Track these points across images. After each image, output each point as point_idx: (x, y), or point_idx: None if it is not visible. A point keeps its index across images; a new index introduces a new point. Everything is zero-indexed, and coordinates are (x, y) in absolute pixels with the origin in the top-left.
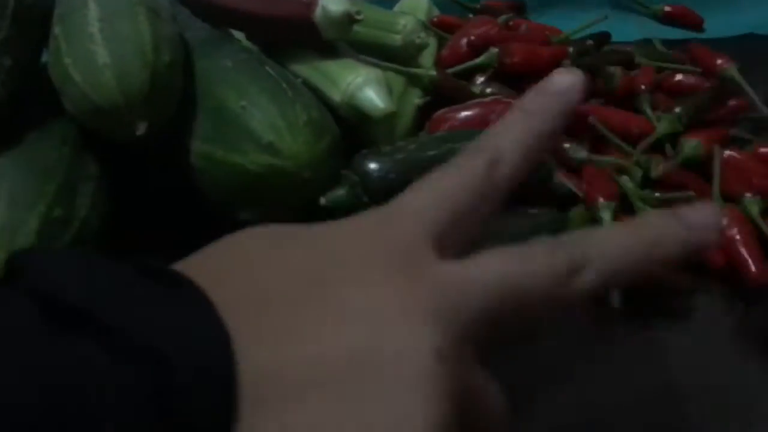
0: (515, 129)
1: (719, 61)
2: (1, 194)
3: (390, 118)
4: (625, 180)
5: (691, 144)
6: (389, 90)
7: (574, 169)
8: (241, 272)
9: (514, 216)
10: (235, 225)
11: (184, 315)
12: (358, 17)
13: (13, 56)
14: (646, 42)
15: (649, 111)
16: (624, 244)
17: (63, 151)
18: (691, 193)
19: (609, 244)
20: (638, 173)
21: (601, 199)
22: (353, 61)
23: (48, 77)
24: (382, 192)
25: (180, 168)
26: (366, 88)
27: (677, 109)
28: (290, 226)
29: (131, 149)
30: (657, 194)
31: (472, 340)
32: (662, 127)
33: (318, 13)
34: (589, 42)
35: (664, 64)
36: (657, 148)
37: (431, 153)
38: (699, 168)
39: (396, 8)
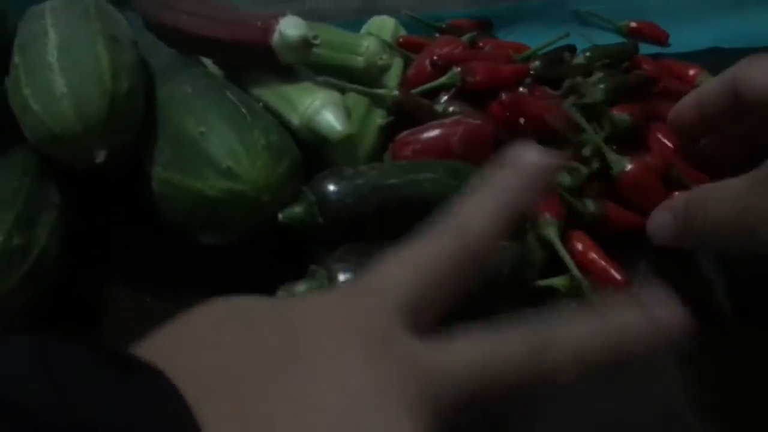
0: (487, 206)
1: (692, 72)
2: None
3: (349, 140)
4: (565, 178)
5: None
6: (348, 112)
7: None
8: (210, 358)
9: None
10: (197, 248)
11: (154, 409)
12: (315, 42)
13: None
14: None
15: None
16: (589, 340)
17: (23, 180)
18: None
19: (576, 338)
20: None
21: (546, 215)
22: (312, 85)
23: (8, 105)
24: (337, 215)
25: (141, 193)
26: (324, 111)
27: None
28: (258, 300)
29: (92, 175)
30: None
31: (445, 426)
32: None
33: (275, 38)
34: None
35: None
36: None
37: (392, 181)
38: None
39: (364, 29)
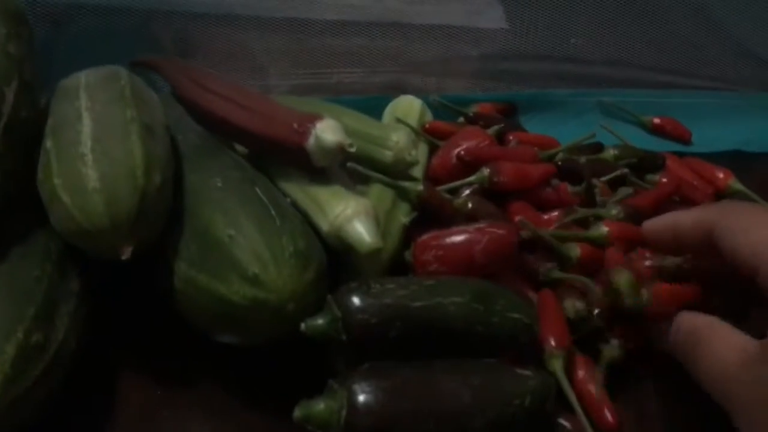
0: None
1: (721, 175)
2: None
3: (377, 253)
4: (570, 305)
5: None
6: (377, 223)
7: (540, 286)
8: None
9: (501, 376)
10: (213, 345)
11: None
12: (351, 149)
13: (2, 171)
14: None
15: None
16: None
17: (45, 267)
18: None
19: None
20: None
21: (552, 342)
22: (343, 189)
23: (35, 186)
24: (361, 333)
25: (162, 286)
26: (354, 221)
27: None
28: None
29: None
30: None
31: None
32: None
33: (311, 141)
34: (582, 160)
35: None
36: None
37: (418, 304)
38: None
39: (389, 109)
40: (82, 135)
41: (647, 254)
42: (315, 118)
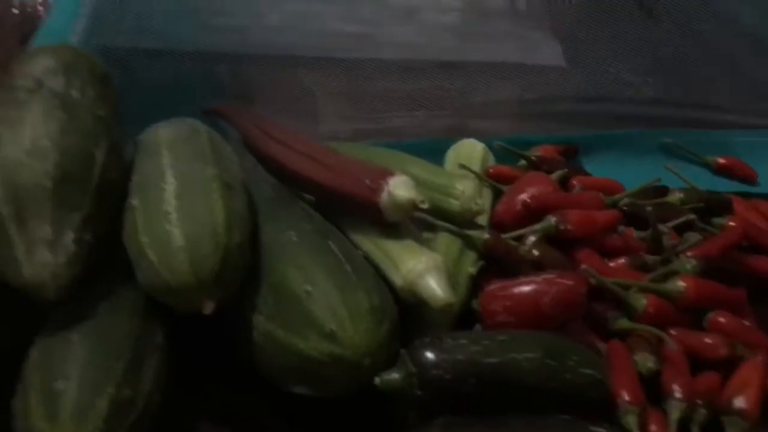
0: None
1: None
2: (72, 375)
3: (450, 307)
4: (642, 360)
5: None
6: (449, 277)
7: (608, 335)
8: None
9: None
10: (285, 394)
11: None
12: (423, 205)
13: (93, 231)
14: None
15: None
16: None
17: (133, 321)
18: None
19: None
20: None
21: (625, 396)
22: (415, 244)
23: (121, 242)
24: (436, 389)
25: (239, 339)
26: (427, 276)
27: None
28: None
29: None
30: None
31: None
32: None
33: (383, 197)
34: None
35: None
36: None
37: (492, 360)
38: None
39: (451, 153)
40: (166, 193)
41: None
42: (387, 174)
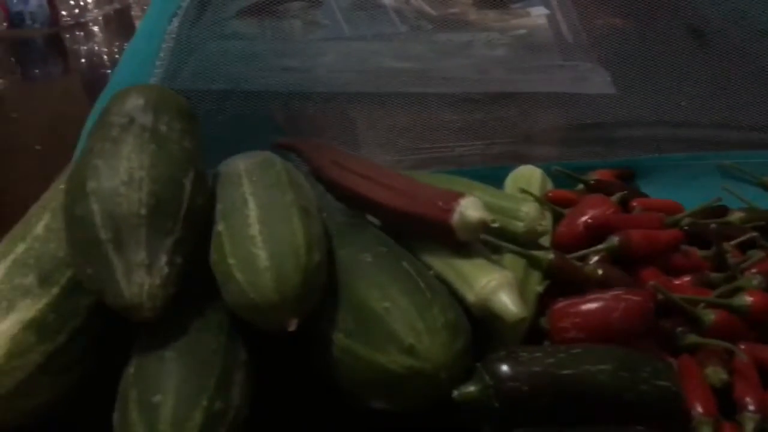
0: None
1: None
2: (168, 388)
3: (523, 322)
4: (713, 373)
5: None
6: (520, 293)
7: (676, 351)
8: None
9: None
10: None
11: None
12: (494, 224)
13: (183, 254)
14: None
15: None
16: None
17: (220, 339)
18: None
19: None
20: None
21: (699, 409)
22: (486, 262)
23: (206, 266)
24: (512, 400)
25: (318, 356)
26: (500, 292)
27: None
28: None
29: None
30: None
31: None
32: None
33: (455, 218)
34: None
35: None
36: None
37: (567, 372)
38: None
39: (510, 179)
40: (250, 219)
41: None
42: (458, 195)
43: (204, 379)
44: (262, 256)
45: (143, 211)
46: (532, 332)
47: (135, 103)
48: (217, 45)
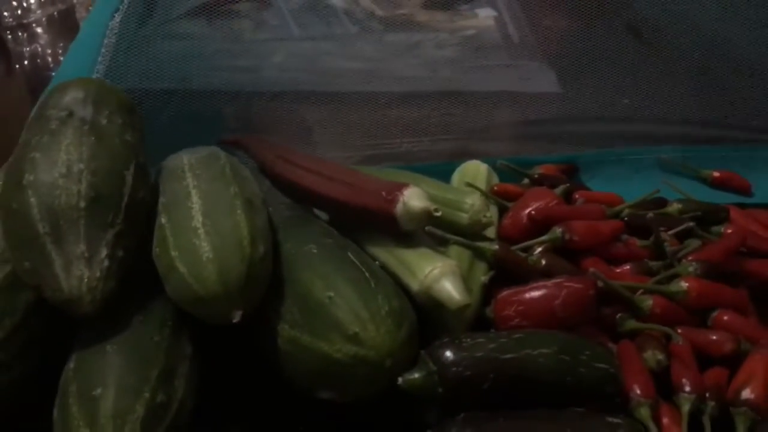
0: None
1: None
2: (109, 383)
3: (466, 309)
4: (651, 356)
5: None
6: (463, 280)
7: (616, 337)
8: None
9: (593, 424)
10: (310, 402)
11: None
12: (437, 214)
13: (124, 247)
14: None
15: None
16: None
17: (164, 332)
18: None
19: None
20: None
21: (637, 391)
22: (429, 251)
23: (149, 259)
24: (456, 386)
25: (264, 347)
26: (443, 279)
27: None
28: None
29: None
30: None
31: None
32: None
33: (399, 208)
34: (649, 215)
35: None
36: None
37: (509, 356)
38: None
39: (457, 174)
40: (193, 211)
41: None
42: (402, 186)
43: (146, 371)
44: (206, 248)
45: (82, 204)
46: (479, 322)
47: (74, 96)
48: (165, 44)
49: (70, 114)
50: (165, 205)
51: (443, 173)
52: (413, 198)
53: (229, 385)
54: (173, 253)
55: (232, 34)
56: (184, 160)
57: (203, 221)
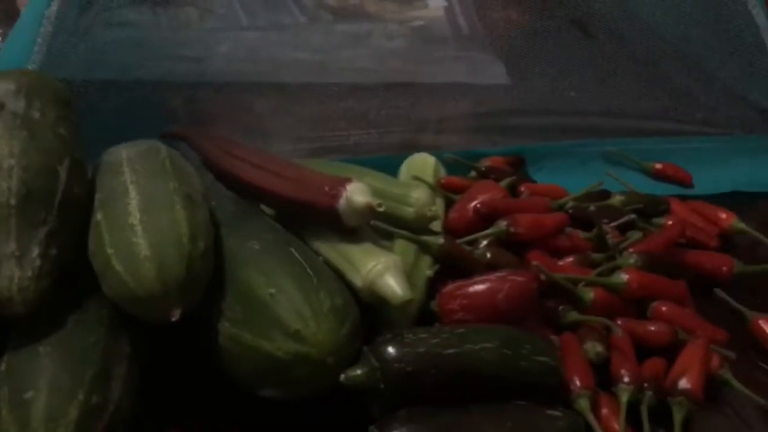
0: None
1: (723, 215)
2: (41, 385)
3: (409, 304)
4: (591, 347)
5: None
6: (407, 277)
7: (560, 329)
8: None
9: (534, 418)
10: (256, 401)
11: None
12: (380, 209)
13: (58, 245)
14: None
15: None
16: None
17: (100, 332)
18: None
19: None
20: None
21: (577, 382)
22: (373, 246)
23: (85, 257)
24: (398, 382)
25: (206, 346)
26: (386, 275)
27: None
28: None
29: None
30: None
31: None
32: None
33: (342, 203)
34: (591, 207)
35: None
36: None
37: (451, 351)
38: None
39: (404, 166)
40: (131, 207)
41: None
42: (345, 181)
43: (80, 373)
44: (143, 245)
45: (13, 201)
46: (424, 316)
47: (6, 88)
48: (107, 32)
49: (1, 107)
50: (101, 201)
51: (391, 166)
52: (356, 193)
53: (172, 385)
54: (109, 251)
55: (177, 23)
56: (123, 154)
57: (141, 218)
